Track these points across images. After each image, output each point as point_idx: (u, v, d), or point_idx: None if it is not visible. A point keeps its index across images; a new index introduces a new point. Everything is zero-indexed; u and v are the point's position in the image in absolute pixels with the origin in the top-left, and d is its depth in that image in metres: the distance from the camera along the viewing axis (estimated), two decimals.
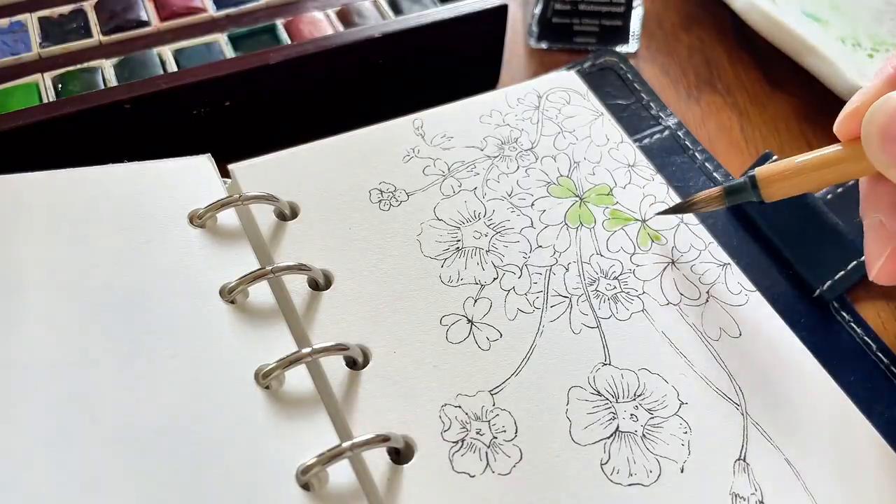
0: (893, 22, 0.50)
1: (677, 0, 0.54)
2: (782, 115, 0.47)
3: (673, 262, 0.34)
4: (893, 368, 0.32)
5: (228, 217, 0.33)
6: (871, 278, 0.30)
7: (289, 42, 0.42)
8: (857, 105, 0.29)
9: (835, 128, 0.30)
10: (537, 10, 0.48)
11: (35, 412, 0.25)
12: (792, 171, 0.31)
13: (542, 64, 0.49)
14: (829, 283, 0.34)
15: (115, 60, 0.40)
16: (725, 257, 0.34)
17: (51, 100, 0.38)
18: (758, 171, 0.32)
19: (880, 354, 0.33)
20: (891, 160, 0.27)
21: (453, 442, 0.28)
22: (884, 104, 0.27)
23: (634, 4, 0.48)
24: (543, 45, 0.50)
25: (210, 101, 0.39)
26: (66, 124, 0.36)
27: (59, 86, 0.38)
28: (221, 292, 0.30)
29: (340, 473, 0.27)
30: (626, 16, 0.48)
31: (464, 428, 0.29)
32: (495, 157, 0.38)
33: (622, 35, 0.49)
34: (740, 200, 0.33)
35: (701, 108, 0.47)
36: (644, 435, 0.29)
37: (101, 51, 0.40)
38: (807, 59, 0.45)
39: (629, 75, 0.43)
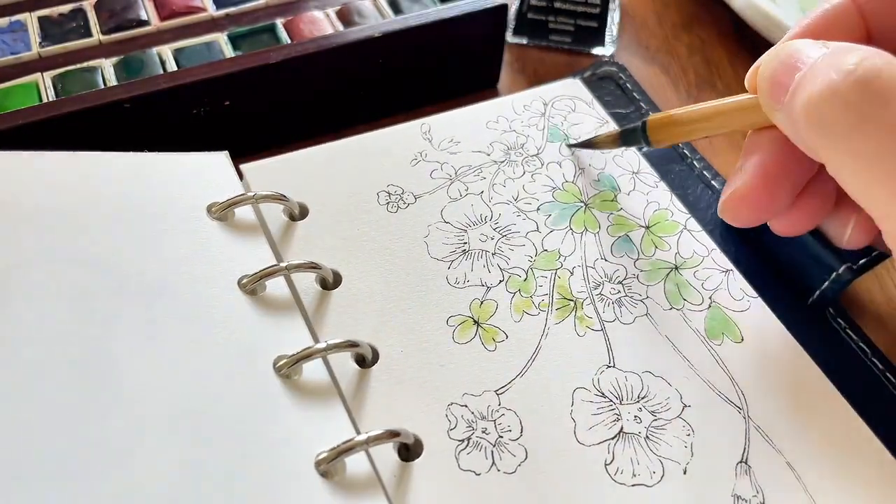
0: None
1: (677, 0, 0.56)
2: None
3: (676, 268, 0.37)
4: (889, 374, 0.35)
5: (245, 213, 0.36)
6: (719, 211, 0.34)
7: (289, 41, 0.44)
8: (765, 58, 0.31)
9: (745, 81, 0.32)
10: (515, 4, 0.51)
11: (56, 390, 0.27)
12: (678, 119, 0.35)
13: (524, 60, 0.51)
14: (822, 289, 0.36)
15: (114, 60, 0.42)
16: (728, 263, 0.37)
17: (50, 99, 0.39)
18: (650, 117, 0.36)
19: (875, 360, 0.35)
20: (776, 103, 0.29)
21: (459, 440, 0.31)
22: (777, 50, 0.29)
23: (611, 7, 0.50)
24: (523, 41, 0.51)
25: (210, 100, 0.41)
26: (66, 124, 0.38)
27: (59, 85, 0.40)
28: (238, 283, 0.33)
29: (357, 465, 0.29)
30: (601, 17, 0.50)
31: (470, 427, 0.31)
32: (501, 161, 0.40)
33: (598, 37, 0.51)
34: (633, 143, 0.37)
35: None
36: (648, 436, 0.31)
37: (101, 50, 0.42)
38: None
39: (629, 84, 0.45)
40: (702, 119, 0.34)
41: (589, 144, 0.40)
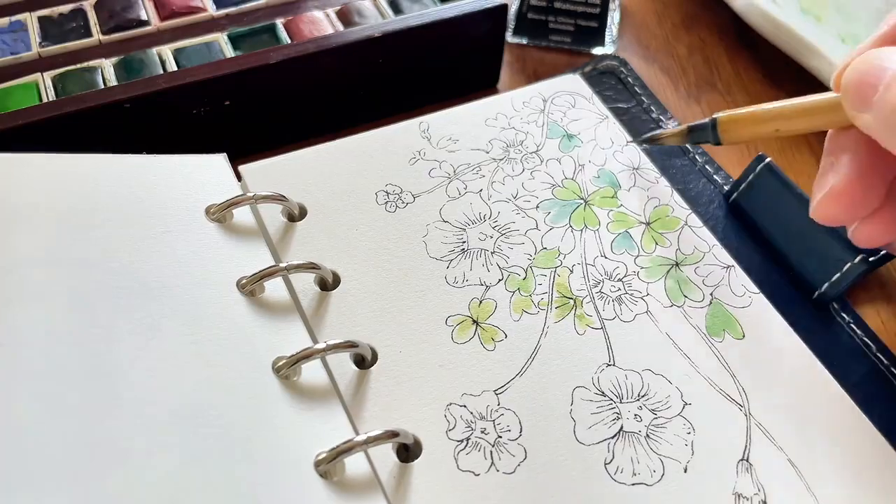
0: None
1: (677, 0, 0.56)
2: None
3: (677, 265, 0.36)
4: (893, 369, 0.34)
5: (243, 214, 0.36)
6: (810, 213, 0.33)
7: (289, 41, 0.44)
8: (847, 60, 0.31)
9: (830, 82, 0.32)
10: (515, 4, 0.51)
11: (56, 391, 0.27)
12: (756, 116, 0.34)
13: (524, 60, 0.51)
14: (827, 284, 0.36)
15: (114, 60, 0.42)
16: (729, 259, 0.37)
17: (50, 99, 0.39)
18: (720, 114, 0.36)
19: (880, 355, 0.35)
20: (863, 104, 0.29)
21: (458, 441, 0.31)
22: (863, 57, 0.30)
23: (611, 7, 0.49)
24: (523, 41, 0.51)
25: (210, 100, 0.41)
26: (66, 124, 0.38)
27: (59, 85, 0.40)
28: (237, 285, 0.33)
29: (356, 466, 0.29)
30: (601, 17, 0.50)
31: (469, 427, 0.31)
32: (500, 159, 0.40)
33: (598, 37, 0.50)
34: (701, 140, 0.37)
35: (701, 107, 0.49)
36: (648, 435, 0.31)
37: (101, 50, 0.42)
38: (807, 59, 0.46)
39: (630, 79, 0.45)
40: (780, 117, 0.34)
41: (653, 140, 0.40)
